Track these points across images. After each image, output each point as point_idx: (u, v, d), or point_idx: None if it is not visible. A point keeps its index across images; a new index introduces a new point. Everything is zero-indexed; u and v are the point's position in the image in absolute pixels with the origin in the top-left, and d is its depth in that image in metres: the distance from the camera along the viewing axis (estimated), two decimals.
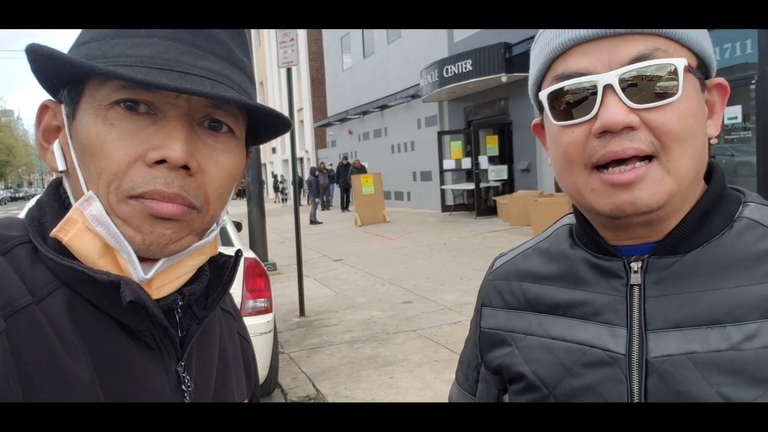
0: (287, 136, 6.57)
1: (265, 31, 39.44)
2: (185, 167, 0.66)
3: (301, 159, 34.26)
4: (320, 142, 32.35)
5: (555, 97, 0.74)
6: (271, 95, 40.86)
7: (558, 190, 12.66)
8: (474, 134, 15.23)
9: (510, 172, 15.24)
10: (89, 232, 0.66)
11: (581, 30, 0.71)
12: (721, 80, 0.78)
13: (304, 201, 19.88)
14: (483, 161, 15.21)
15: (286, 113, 7.93)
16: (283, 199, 34.23)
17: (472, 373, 0.98)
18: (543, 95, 0.75)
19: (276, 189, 36.32)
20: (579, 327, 0.79)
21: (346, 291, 8.18)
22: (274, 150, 41.83)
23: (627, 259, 0.77)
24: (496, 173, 15.24)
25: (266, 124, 0.77)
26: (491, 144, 15.39)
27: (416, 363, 5.13)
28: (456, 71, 14.52)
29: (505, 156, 15.30)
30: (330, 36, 27.32)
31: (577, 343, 0.78)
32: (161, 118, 0.66)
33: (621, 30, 0.69)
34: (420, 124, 19.41)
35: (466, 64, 14.20)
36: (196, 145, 0.68)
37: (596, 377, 0.75)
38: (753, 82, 8.47)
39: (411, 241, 12.36)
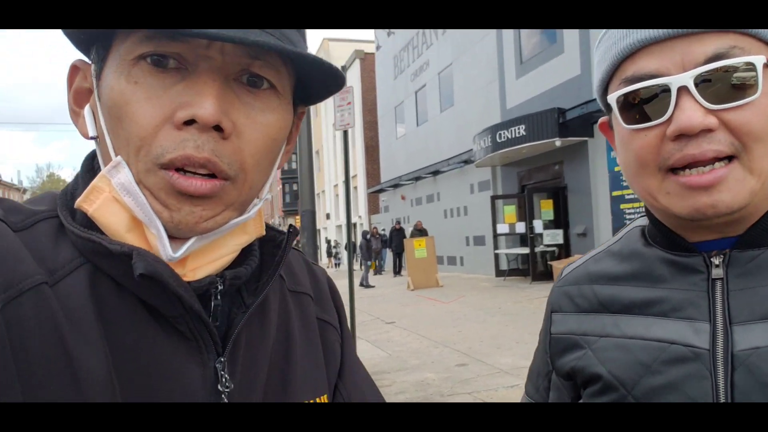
0: (342, 203, 6.63)
1: (323, 106, 40.86)
2: (218, 129, 0.58)
3: (355, 224, 34.68)
4: (373, 207, 32.76)
5: (625, 99, 0.72)
6: (327, 163, 41.95)
7: None
8: (528, 198, 15.14)
9: (566, 236, 14.97)
10: (116, 202, 0.59)
11: (651, 30, 0.69)
12: None
13: (357, 266, 19.99)
14: (537, 225, 15.02)
15: (342, 180, 7.97)
16: (336, 264, 34.50)
17: (543, 382, 0.94)
18: (612, 98, 0.74)
19: (329, 254, 36.67)
20: (657, 324, 0.76)
21: (399, 353, 8.06)
22: (328, 216, 42.56)
23: (707, 254, 0.74)
24: (551, 237, 15.00)
25: (316, 79, 0.68)
26: (546, 208, 15.23)
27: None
28: (509, 136, 14.61)
29: (560, 220, 15.08)
30: (384, 105, 28.10)
31: (656, 341, 0.75)
32: (191, 72, 0.59)
33: (694, 29, 0.67)
34: (473, 189, 19.45)
35: (519, 129, 14.29)
36: (233, 102, 0.60)
37: (678, 374, 0.72)
38: None
39: (464, 305, 12.16)
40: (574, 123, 13.18)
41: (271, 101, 0.63)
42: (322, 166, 43.18)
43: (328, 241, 38.70)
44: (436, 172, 21.71)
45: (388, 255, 25.48)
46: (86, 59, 0.66)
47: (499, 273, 16.88)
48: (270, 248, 0.73)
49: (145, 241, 0.60)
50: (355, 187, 34.91)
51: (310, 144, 10.59)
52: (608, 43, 0.76)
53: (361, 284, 17.97)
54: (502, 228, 16.44)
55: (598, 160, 13.22)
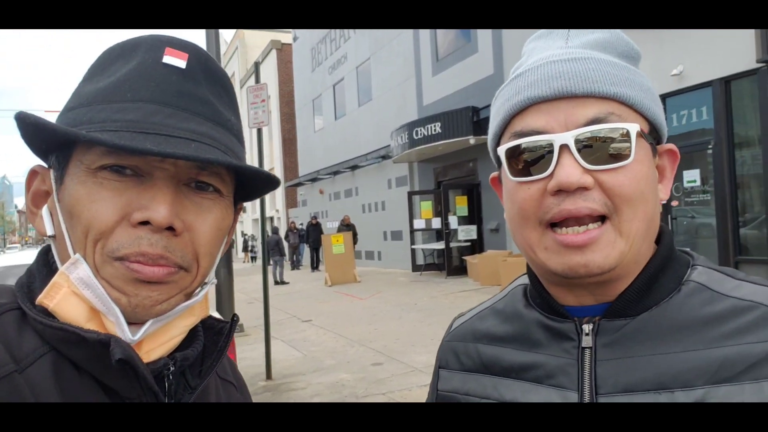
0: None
1: (237, 91, 39.96)
2: (170, 228, 0.66)
3: (272, 218, 34.16)
4: (291, 201, 32.38)
5: (513, 153, 0.75)
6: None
7: None
8: (444, 194, 15.43)
9: (479, 231, 15.39)
10: (75, 296, 0.65)
11: (540, 90, 0.73)
12: (672, 146, 0.81)
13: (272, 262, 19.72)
14: (453, 221, 15.35)
15: None
16: (252, 258, 33.87)
17: None
18: (501, 150, 0.77)
19: (246, 249, 35.98)
20: (533, 391, 0.78)
21: (315, 353, 8.02)
22: (244, 210, 41.63)
23: (579, 321, 0.77)
24: (466, 233, 15.37)
25: (255, 182, 0.77)
26: (461, 204, 15.59)
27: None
28: (425, 133, 14.83)
29: (474, 216, 15.48)
30: (302, 98, 27.80)
31: None
32: (147, 180, 0.67)
33: (578, 92, 0.72)
34: (391, 184, 19.62)
35: (435, 126, 14.53)
36: (183, 203, 0.68)
37: None
38: (709, 147, 8.82)
39: (381, 301, 12.26)
40: (488, 122, 13.50)
41: (216, 202, 0.72)
42: None
43: (245, 235, 37.94)
44: (354, 167, 21.73)
45: (306, 250, 25.32)
46: (44, 164, 0.73)
47: (416, 268, 17.14)
48: (211, 334, 0.80)
49: (103, 329, 0.65)
50: None
51: None
52: (502, 99, 0.79)
53: (276, 281, 17.75)
54: (419, 223, 16.69)
55: None
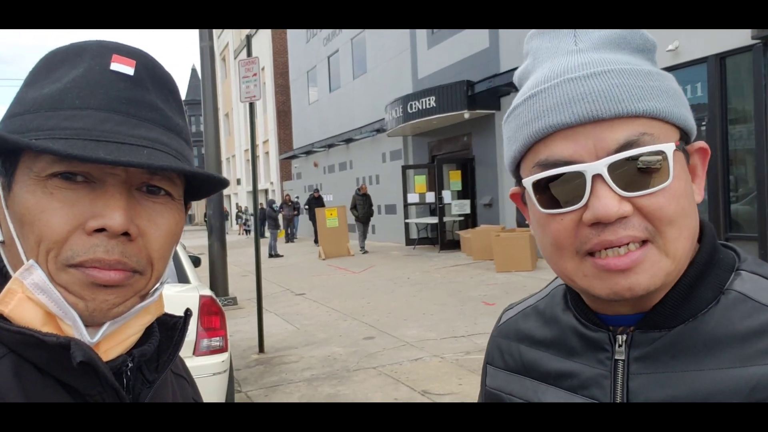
0: (251, 167, 6.56)
1: (231, 62, 39.55)
2: (125, 233, 0.66)
3: (266, 191, 34.09)
4: (285, 174, 32.30)
5: (540, 183, 0.71)
6: (237, 127, 40.76)
7: (520, 225, 12.85)
8: (438, 169, 15.41)
9: (473, 206, 15.42)
10: (30, 301, 0.66)
11: (563, 116, 0.68)
12: (702, 144, 0.76)
13: (268, 233, 19.67)
14: (446, 196, 15.36)
15: (249, 145, 7.98)
16: (246, 230, 33.89)
17: None
18: (528, 182, 0.72)
19: (239, 220, 35.98)
20: (568, 400, 0.77)
21: (308, 326, 8.09)
22: (239, 181, 41.56)
23: (614, 330, 0.75)
24: (459, 208, 15.40)
25: (203, 183, 0.78)
26: (454, 179, 15.59)
27: (376, 402, 5.07)
28: (420, 107, 14.74)
29: (468, 191, 15.49)
30: (296, 69, 27.52)
31: None
32: (99, 186, 0.67)
33: (605, 116, 0.67)
34: (385, 158, 19.57)
35: (430, 100, 14.44)
36: (135, 209, 0.68)
37: None
38: (703, 124, 8.82)
39: (374, 275, 12.33)
40: (482, 96, 13.46)
41: (167, 205, 0.72)
42: (231, 130, 41.98)
43: (239, 207, 37.90)
44: (349, 140, 21.64)
45: (301, 223, 25.33)
46: None
47: (409, 242, 17.19)
48: (165, 329, 0.81)
49: (60, 332, 0.66)
50: (267, 153, 34.25)
51: (216, 110, 10.25)
52: (518, 121, 0.74)
53: (270, 254, 17.79)
54: (413, 197, 16.70)
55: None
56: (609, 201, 0.65)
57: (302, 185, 27.70)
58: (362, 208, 16.91)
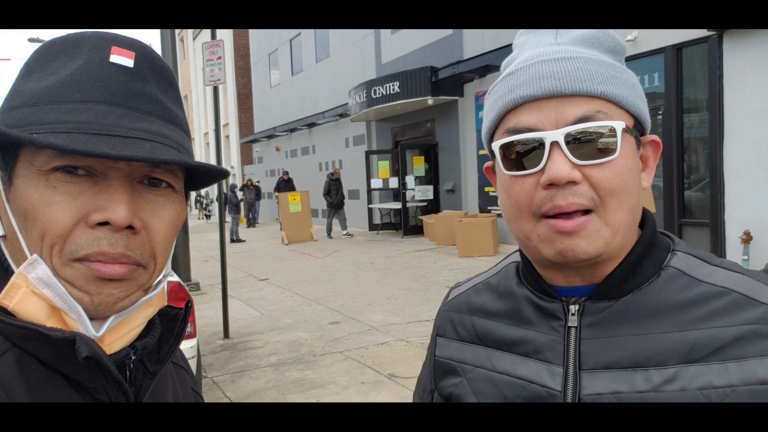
0: (212, 150, 6.44)
1: (189, 43, 38.66)
2: (129, 227, 0.66)
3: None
4: (246, 158, 31.89)
5: (506, 148, 0.80)
6: (196, 109, 39.95)
7: (482, 211, 13.02)
8: (401, 154, 15.46)
9: (436, 192, 15.54)
10: (34, 295, 0.65)
11: (532, 89, 0.78)
12: (655, 137, 0.85)
13: (229, 218, 19.42)
14: (410, 181, 15.44)
15: (211, 128, 7.80)
16: (206, 215, 33.40)
17: (427, 397, 1.03)
18: (495, 146, 0.82)
19: (198, 204, 35.43)
20: (522, 363, 0.85)
21: (272, 312, 8.07)
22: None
23: (566, 301, 0.83)
24: (422, 193, 15.50)
25: (203, 173, 0.78)
26: (418, 164, 15.67)
27: (343, 386, 5.12)
28: (384, 92, 14.73)
29: (431, 176, 15.60)
30: (257, 52, 27.09)
31: (519, 379, 0.84)
32: (102, 180, 0.66)
33: (567, 92, 0.76)
34: (348, 143, 19.51)
35: (393, 85, 14.44)
36: (138, 202, 0.68)
37: None
38: (660, 113, 9.07)
39: (338, 260, 12.35)
40: (446, 82, 13.53)
41: (169, 197, 0.73)
42: (190, 113, 41.08)
43: (198, 192, 37.27)
44: (311, 125, 21.47)
45: (263, 207, 25.10)
46: None
47: (373, 227, 17.25)
48: (165, 321, 0.81)
49: (64, 326, 0.66)
50: (227, 136, 33.71)
51: None
52: (496, 95, 0.83)
53: (231, 239, 17.61)
54: (376, 183, 16.73)
55: (467, 120, 13.73)
56: (562, 165, 0.75)
57: (264, 169, 27.40)
58: (336, 193, 16.83)
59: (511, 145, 0.79)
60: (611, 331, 0.79)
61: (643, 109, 0.82)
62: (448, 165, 14.80)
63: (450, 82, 13.55)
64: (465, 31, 13.28)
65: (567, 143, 0.75)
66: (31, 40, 26.98)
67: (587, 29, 0.82)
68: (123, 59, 0.69)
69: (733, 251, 8.09)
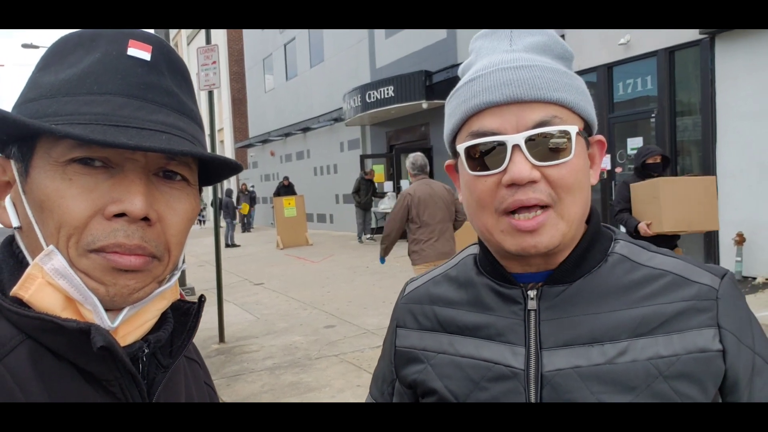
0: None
1: (184, 48, 38.65)
2: (145, 219, 0.67)
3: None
4: (241, 163, 31.78)
5: (471, 150, 0.86)
6: None
7: None
8: (396, 158, 15.47)
9: None
10: (50, 286, 0.65)
11: (494, 95, 0.83)
12: (600, 137, 0.93)
13: (223, 223, 19.35)
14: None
15: (206, 133, 7.81)
16: (200, 221, 33.32)
17: (388, 388, 1.06)
18: (460, 148, 0.87)
19: None
20: (485, 346, 0.90)
21: (268, 316, 8.06)
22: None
23: (525, 287, 0.90)
24: None
25: (217, 168, 0.79)
26: None
27: (338, 389, 5.12)
28: (378, 96, 14.75)
29: None
30: (252, 56, 27.09)
31: (483, 360, 0.89)
32: (118, 171, 0.67)
33: (526, 98, 0.82)
34: (343, 147, 19.51)
35: (388, 90, 14.46)
36: (154, 194, 0.69)
37: (500, 390, 0.87)
38: (653, 116, 9.12)
39: (334, 264, 12.34)
40: (440, 86, 13.55)
41: (184, 190, 0.74)
42: None
43: None
44: (306, 129, 21.46)
45: (258, 213, 25.04)
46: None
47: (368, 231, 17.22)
48: (178, 315, 0.82)
49: (79, 317, 0.67)
50: (222, 141, 33.67)
51: None
52: (459, 99, 0.89)
53: (227, 244, 17.56)
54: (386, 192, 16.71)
55: None
56: (523, 167, 0.81)
57: (258, 174, 27.37)
58: (365, 193, 16.37)
59: (476, 147, 0.85)
60: (567, 311, 0.86)
61: (592, 112, 0.89)
62: (443, 169, 14.69)
63: (444, 85, 13.56)
64: (458, 34, 13.33)
65: (527, 145, 0.81)
66: (25, 45, 26.86)
67: (539, 34, 0.89)
68: (140, 52, 0.70)
69: (727, 253, 8.12)
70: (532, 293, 0.89)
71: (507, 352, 0.87)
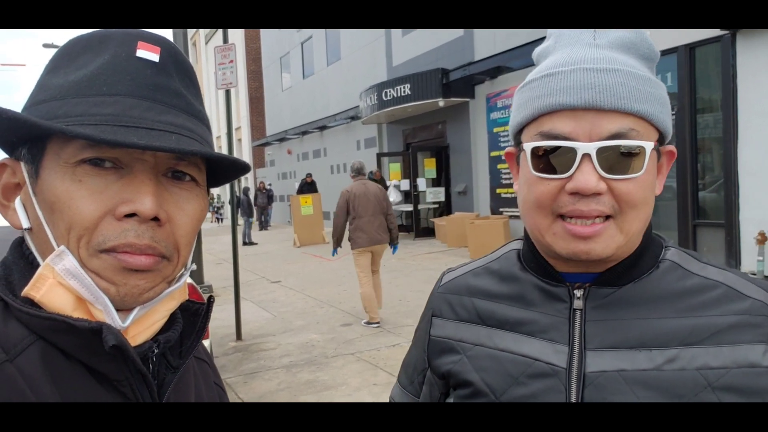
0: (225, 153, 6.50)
1: (202, 47, 38.92)
2: (155, 219, 0.67)
3: (239, 179, 33.72)
4: (258, 161, 32.02)
5: (537, 148, 0.83)
6: (208, 113, 40.06)
7: (494, 212, 12.98)
8: (412, 157, 15.46)
9: (447, 194, 15.52)
10: (61, 287, 0.66)
11: (571, 98, 0.79)
12: (672, 148, 0.89)
13: (241, 221, 19.46)
14: (421, 183, 15.43)
15: (224, 132, 7.82)
16: (218, 219, 33.57)
17: (418, 376, 1.05)
18: (528, 146, 0.84)
19: (211, 207, 35.61)
20: (525, 342, 0.88)
21: (284, 314, 8.10)
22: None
23: (571, 286, 0.88)
24: (434, 195, 15.48)
25: (225, 169, 0.79)
26: (429, 167, 15.65)
27: (355, 387, 5.13)
28: (395, 95, 14.74)
29: (442, 178, 15.58)
30: (269, 55, 27.23)
31: (523, 356, 0.88)
32: (128, 172, 0.68)
33: (605, 107, 0.78)
34: (359, 146, 19.54)
35: (404, 88, 14.44)
36: (163, 195, 0.69)
37: (539, 386, 0.85)
38: (673, 113, 9.00)
39: (350, 262, 12.27)
40: (457, 84, 13.51)
41: (193, 190, 0.74)
42: None
43: (210, 195, 37.38)
44: (323, 127, 21.53)
45: (275, 210, 25.16)
46: (9, 157, 0.73)
47: None
48: (187, 315, 0.82)
49: (90, 317, 0.67)
50: (239, 140, 33.86)
51: None
52: (532, 93, 0.85)
53: (244, 242, 17.68)
54: (388, 185, 16.71)
55: (478, 121, 13.69)
56: (590, 177, 0.78)
57: (276, 172, 27.51)
58: None
59: (544, 148, 0.82)
60: (615, 314, 0.85)
61: (669, 124, 0.85)
62: (460, 167, 14.77)
63: (461, 83, 13.53)
64: (476, 32, 13.27)
65: (597, 156, 0.78)
66: (46, 45, 27.25)
67: (626, 31, 0.84)
68: (149, 54, 0.71)
69: (748, 252, 8.00)
70: (578, 293, 0.87)
71: (548, 350, 0.86)
